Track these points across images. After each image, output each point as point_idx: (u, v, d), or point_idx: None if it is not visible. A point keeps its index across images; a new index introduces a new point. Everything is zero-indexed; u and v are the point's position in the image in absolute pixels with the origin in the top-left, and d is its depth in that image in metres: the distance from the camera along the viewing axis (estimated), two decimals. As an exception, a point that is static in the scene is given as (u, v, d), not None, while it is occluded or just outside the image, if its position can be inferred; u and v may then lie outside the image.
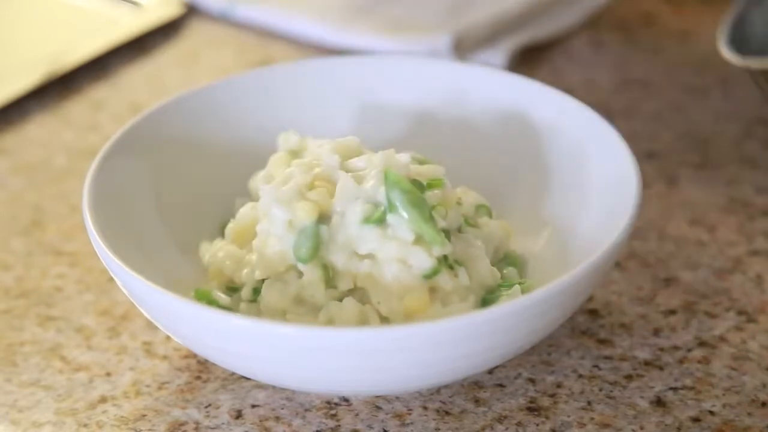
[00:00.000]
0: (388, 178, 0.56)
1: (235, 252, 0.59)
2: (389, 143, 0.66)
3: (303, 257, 0.56)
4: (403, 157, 0.58)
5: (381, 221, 0.56)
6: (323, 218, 0.56)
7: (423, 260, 0.55)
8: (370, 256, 0.56)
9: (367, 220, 0.56)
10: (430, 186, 0.58)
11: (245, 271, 0.58)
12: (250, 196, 0.63)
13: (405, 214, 0.56)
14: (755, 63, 0.69)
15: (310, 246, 0.56)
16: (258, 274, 0.57)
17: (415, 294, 0.55)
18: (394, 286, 0.55)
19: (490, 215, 0.62)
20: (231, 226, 0.60)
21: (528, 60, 0.84)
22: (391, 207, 0.56)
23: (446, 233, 0.57)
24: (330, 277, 0.56)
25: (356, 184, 0.56)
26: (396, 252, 0.55)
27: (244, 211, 0.60)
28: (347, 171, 0.58)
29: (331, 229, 0.56)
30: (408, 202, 0.56)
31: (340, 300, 0.56)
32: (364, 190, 0.56)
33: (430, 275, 0.55)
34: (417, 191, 0.56)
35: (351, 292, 0.56)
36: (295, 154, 0.61)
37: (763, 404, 0.57)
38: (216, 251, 0.59)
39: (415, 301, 0.55)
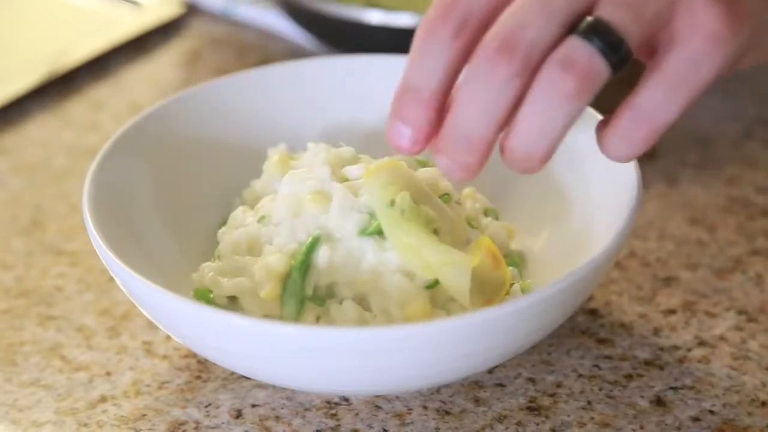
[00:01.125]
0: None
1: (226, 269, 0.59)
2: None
3: (290, 316, 0.56)
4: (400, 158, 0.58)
5: (380, 232, 0.56)
6: (319, 240, 0.56)
7: None
8: (370, 267, 0.56)
9: (363, 231, 0.56)
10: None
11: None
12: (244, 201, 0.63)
13: None
14: None
15: (294, 304, 0.56)
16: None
17: (416, 303, 0.55)
18: (395, 296, 0.55)
19: (497, 218, 0.62)
20: (223, 234, 0.60)
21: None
22: None
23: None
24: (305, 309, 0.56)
25: (352, 195, 0.56)
26: (396, 263, 0.55)
27: (236, 215, 0.60)
28: (343, 179, 0.58)
29: (330, 244, 0.56)
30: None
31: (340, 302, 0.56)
32: (360, 202, 0.56)
33: (432, 285, 0.55)
34: (416, 207, 0.56)
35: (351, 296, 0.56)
36: (287, 163, 0.61)
37: (763, 404, 0.57)
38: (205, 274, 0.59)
39: (417, 310, 0.55)
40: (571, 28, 0.49)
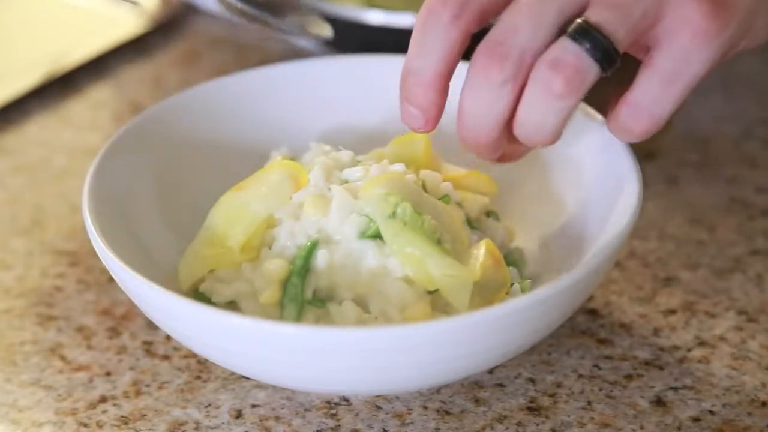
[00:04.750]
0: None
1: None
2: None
3: (290, 320, 0.56)
4: (398, 167, 0.58)
5: (379, 235, 0.55)
6: (318, 244, 0.56)
7: None
8: (370, 269, 0.55)
9: (362, 234, 0.56)
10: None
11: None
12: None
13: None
14: None
15: (294, 308, 0.56)
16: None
17: (416, 307, 0.55)
18: (395, 299, 0.55)
19: (497, 219, 0.61)
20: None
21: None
22: None
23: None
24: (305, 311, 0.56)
25: (351, 197, 0.56)
26: (397, 267, 0.55)
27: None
28: (342, 181, 0.58)
29: (329, 247, 0.56)
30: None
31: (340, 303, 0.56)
32: (359, 205, 0.56)
33: (433, 290, 0.55)
34: (417, 217, 0.56)
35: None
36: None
37: (763, 404, 0.57)
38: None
39: (417, 313, 0.55)
40: (563, 29, 0.52)
